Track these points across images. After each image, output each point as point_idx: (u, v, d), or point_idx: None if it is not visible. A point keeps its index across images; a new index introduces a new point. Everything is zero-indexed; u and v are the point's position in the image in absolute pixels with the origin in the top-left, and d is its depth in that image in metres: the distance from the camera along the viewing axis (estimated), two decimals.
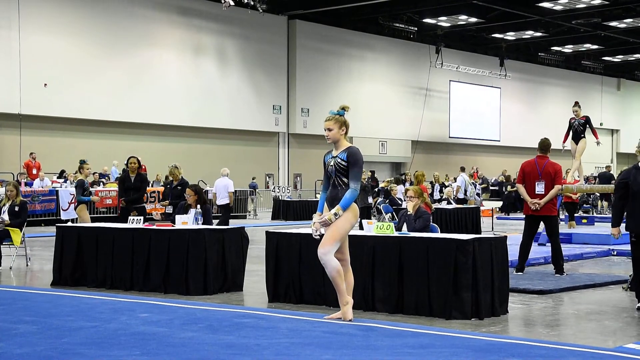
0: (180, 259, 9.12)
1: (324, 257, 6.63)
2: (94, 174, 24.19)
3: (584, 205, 29.60)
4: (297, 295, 8.36)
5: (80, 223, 12.96)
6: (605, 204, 30.12)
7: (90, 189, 15.42)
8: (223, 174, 18.20)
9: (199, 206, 10.37)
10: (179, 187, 12.75)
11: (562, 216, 18.71)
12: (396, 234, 8.14)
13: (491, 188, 34.56)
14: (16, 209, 12.08)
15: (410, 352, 5.64)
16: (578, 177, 15.22)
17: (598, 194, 29.84)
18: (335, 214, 6.65)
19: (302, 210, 27.08)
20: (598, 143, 15.34)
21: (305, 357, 5.45)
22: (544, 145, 11.00)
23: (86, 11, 27.95)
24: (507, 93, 44.44)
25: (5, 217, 11.99)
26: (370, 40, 37.55)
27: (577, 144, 14.43)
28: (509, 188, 31.20)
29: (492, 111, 43.91)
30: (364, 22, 36.57)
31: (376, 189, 27.30)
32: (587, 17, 35.59)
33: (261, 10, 29.69)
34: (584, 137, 14.37)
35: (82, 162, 13.82)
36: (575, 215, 21.28)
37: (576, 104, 14.63)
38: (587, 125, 14.40)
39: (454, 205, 19.61)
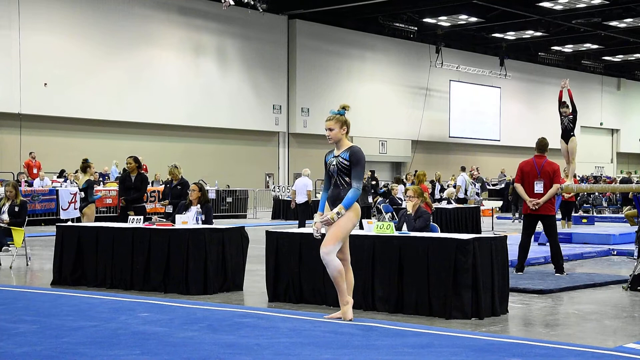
0: (180, 259, 9.13)
1: (326, 257, 6.62)
2: (94, 173, 24.17)
3: (584, 205, 29.61)
4: (297, 294, 8.36)
5: (87, 222, 12.93)
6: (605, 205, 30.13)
7: None
8: (304, 174, 19.35)
9: (199, 205, 10.36)
10: (178, 187, 12.75)
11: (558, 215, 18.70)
12: (396, 233, 8.14)
13: (489, 188, 34.51)
14: (16, 209, 12.07)
15: (410, 352, 5.64)
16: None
17: (600, 195, 29.84)
18: (338, 213, 6.64)
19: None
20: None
21: (305, 356, 5.45)
22: (542, 144, 11.02)
23: (86, 11, 27.95)
24: (507, 93, 44.44)
25: (5, 217, 11.99)
26: (370, 40, 37.54)
27: (567, 142, 14.24)
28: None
29: (492, 111, 43.89)
30: (364, 22, 36.56)
31: (382, 191, 27.27)
32: (587, 17, 35.58)
33: (261, 10, 29.68)
34: (574, 135, 14.26)
35: (87, 161, 13.77)
36: (575, 215, 21.28)
37: (564, 104, 14.57)
38: (575, 116, 14.25)
39: (454, 205, 19.61)
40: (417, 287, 7.66)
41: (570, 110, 14.25)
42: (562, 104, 14.40)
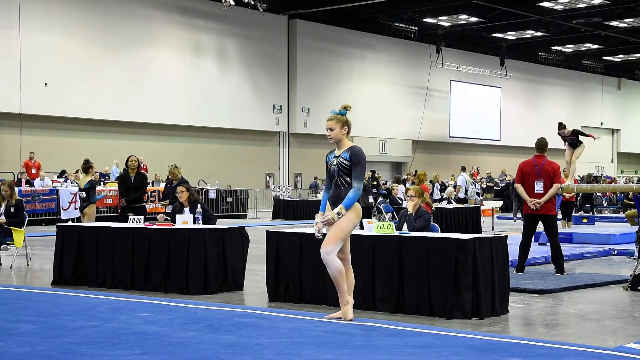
0: (180, 259, 9.12)
1: (326, 257, 6.62)
2: (95, 173, 24.18)
3: (585, 205, 29.56)
4: (297, 294, 8.36)
5: (87, 222, 12.94)
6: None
7: None
8: None
9: (199, 205, 10.35)
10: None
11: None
12: (396, 233, 8.13)
13: (496, 188, 34.52)
14: (12, 209, 12.03)
15: (410, 352, 5.64)
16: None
17: (600, 195, 29.85)
18: (338, 214, 6.64)
19: (303, 209, 27.10)
20: (595, 139, 15.54)
21: (306, 356, 5.45)
22: (541, 144, 11.02)
23: (86, 11, 27.96)
24: (507, 93, 44.44)
25: (2, 218, 11.94)
26: (370, 40, 37.54)
27: (574, 149, 14.67)
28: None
29: (492, 111, 43.90)
30: (364, 22, 36.56)
31: (383, 192, 27.28)
32: (587, 17, 35.57)
33: (261, 10, 29.68)
34: (582, 142, 14.57)
35: (89, 161, 13.77)
36: (575, 215, 21.27)
37: (559, 125, 14.83)
38: (579, 135, 14.70)
39: (454, 205, 19.61)
40: (417, 287, 7.65)
41: (569, 132, 14.60)
42: (559, 125, 14.76)
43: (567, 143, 14.83)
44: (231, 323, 6.75)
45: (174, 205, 11.30)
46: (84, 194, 13.58)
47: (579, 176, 30.93)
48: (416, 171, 20.28)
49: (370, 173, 28.27)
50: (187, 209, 10.40)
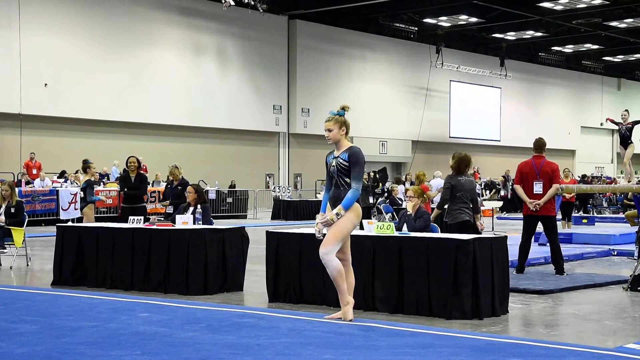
0: (180, 259, 9.12)
1: (325, 257, 6.63)
2: (95, 173, 24.16)
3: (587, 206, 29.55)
4: (297, 295, 8.37)
5: (86, 222, 12.94)
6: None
7: None
8: (436, 176, 21.63)
9: (199, 205, 10.36)
10: (179, 187, 12.75)
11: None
12: (396, 234, 8.14)
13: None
14: (12, 210, 12.02)
15: (410, 352, 5.64)
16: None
17: (600, 196, 29.85)
18: (337, 214, 6.65)
19: (303, 210, 27.10)
20: None
21: (306, 357, 5.45)
22: (539, 144, 11.04)
23: (86, 11, 27.95)
24: (507, 93, 44.43)
25: (2, 218, 11.93)
26: (370, 40, 37.53)
27: (625, 148, 14.88)
28: None
29: (492, 111, 43.88)
30: (364, 22, 36.56)
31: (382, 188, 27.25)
32: (587, 17, 35.57)
33: (261, 10, 29.67)
34: (632, 142, 14.75)
35: (87, 161, 13.77)
36: (575, 215, 21.26)
37: (626, 111, 15.14)
38: (633, 126, 14.97)
39: None
40: (417, 287, 7.66)
41: (630, 120, 14.86)
42: (622, 115, 15.14)
43: (619, 135, 15.14)
44: (231, 323, 6.76)
45: (179, 204, 11.30)
46: (82, 194, 13.61)
47: (578, 177, 30.97)
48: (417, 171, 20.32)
49: (372, 174, 28.27)
50: (191, 209, 10.38)
